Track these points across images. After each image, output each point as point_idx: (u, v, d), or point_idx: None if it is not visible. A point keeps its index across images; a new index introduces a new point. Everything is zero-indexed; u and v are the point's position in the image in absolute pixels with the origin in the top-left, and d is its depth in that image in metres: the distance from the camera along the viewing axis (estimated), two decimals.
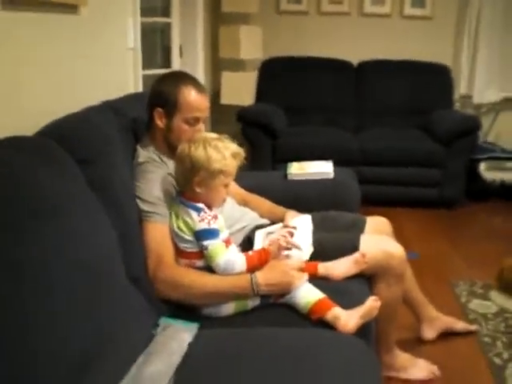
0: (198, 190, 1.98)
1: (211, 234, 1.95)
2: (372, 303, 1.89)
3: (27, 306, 1.24)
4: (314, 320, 1.88)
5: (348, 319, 1.84)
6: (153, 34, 4.71)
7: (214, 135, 2.05)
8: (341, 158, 4.26)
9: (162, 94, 2.16)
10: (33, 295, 1.26)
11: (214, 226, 1.96)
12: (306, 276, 1.98)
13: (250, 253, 2.00)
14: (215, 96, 5.53)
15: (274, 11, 5.74)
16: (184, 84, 2.16)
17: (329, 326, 1.85)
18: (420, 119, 5.24)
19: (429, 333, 2.76)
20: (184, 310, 1.96)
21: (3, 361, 1.16)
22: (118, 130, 2.13)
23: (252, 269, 1.95)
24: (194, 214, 1.97)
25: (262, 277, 1.93)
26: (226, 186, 2.03)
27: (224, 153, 1.97)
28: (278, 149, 4.90)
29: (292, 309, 1.94)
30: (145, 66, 3.50)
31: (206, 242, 1.94)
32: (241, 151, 2.03)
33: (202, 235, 1.95)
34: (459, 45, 5.53)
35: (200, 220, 1.95)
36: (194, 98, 2.14)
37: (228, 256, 1.94)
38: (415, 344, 2.72)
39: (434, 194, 4.81)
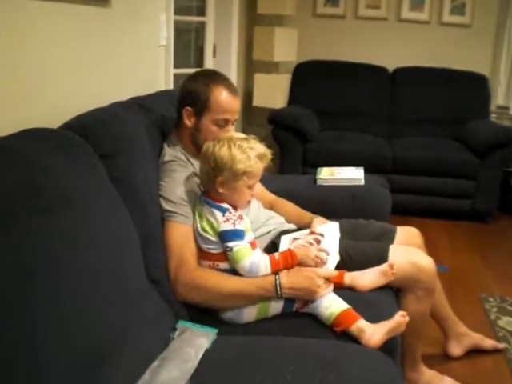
0: (220, 190, 1.93)
1: (236, 235, 1.90)
2: (400, 319, 1.81)
3: (38, 305, 1.19)
4: (337, 331, 1.82)
5: (373, 333, 1.78)
6: (187, 33, 4.69)
7: (240, 135, 2.00)
8: (373, 165, 4.23)
9: (192, 93, 2.11)
10: (44, 293, 1.21)
11: (239, 226, 1.91)
12: (331, 286, 1.92)
13: (276, 255, 1.94)
14: (247, 98, 5.50)
15: (311, 14, 5.68)
16: (216, 84, 2.10)
17: (352, 339, 1.79)
18: (455, 129, 5.13)
19: (456, 349, 2.67)
20: (204, 314, 1.92)
21: (15, 357, 1.11)
22: (144, 127, 2.09)
23: (277, 272, 1.90)
24: (218, 214, 1.92)
25: (286, 279, 1.88)
26: (251, 187, 1.97)
27: (249, 154, 1.91)
28: (308, 153, 4.84)
29: (315, 319, 1.88)
30: (177, 65, 3.49)
31: (230, 244, 1.88)
32: (267, 153, 1.97)
33: (226, 236, 1.90)
34: (498, 54, 5.40)
35: (225, 220, 1.90)
36: (224, 99, 2.09)
37: (253, 258, 1.89)
38: (441, 360, 2.64)
39: (467, 205, 4.70)
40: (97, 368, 1.34)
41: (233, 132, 2.07)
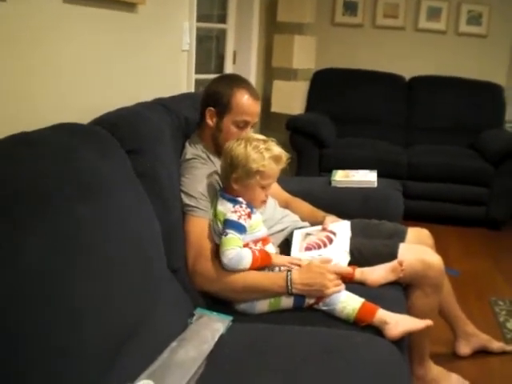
0: (235, 186, 2.02)
1: (237, 227, 1.97)
2: (424, 324, 1.89)
3: (70, 288, 1.28)
4: (362, 326, 1.88)
5: (395, 326, 1.84)
6: (208, 40, 4.80)
7: (259, 136, 2.09)
8: (388, 171, 4.26)
9: (216, 94, 2.21)
10: (75, 277, 1.30)
11: (242, 222, 1.98)
12: (343, 285, 1.98)
13: (257, 253, 1.99)
14: (266, 103, 5.57)
15: (329, 23, 5.77)
16: (238, 87, 2.21)
17: (361, 328, 1.87)
18: (470, 137, 5.18)
19: (464, 349, 2.72)
20: (219, 304, 2.00)
21: (53, 332, 1.19)
22: (168, 126, 2.18)
23: (254, 268, 1.98)
24: (229, 204, 2.02)
25: (298, 275, 1.96)
26: (264, 188, 2.06)
27: (264, 154, 2.00)
28: (324, 159, 4.90)
29: None
30: (198, 71, 3.57)
31: (228, 230, 1.96)
32: (283, 155, 2.04)
33: (228, 224, 1.98)
34: None
35: (233, 211, 1.99)
36: (246, 102, 2.19)
37: (240, 251, 1.95)
38: (449, 359, 2.69)
39: (481, 213, 4.74)
40: (123, 345, 1.44)
41: (253, 133, 2.17)
